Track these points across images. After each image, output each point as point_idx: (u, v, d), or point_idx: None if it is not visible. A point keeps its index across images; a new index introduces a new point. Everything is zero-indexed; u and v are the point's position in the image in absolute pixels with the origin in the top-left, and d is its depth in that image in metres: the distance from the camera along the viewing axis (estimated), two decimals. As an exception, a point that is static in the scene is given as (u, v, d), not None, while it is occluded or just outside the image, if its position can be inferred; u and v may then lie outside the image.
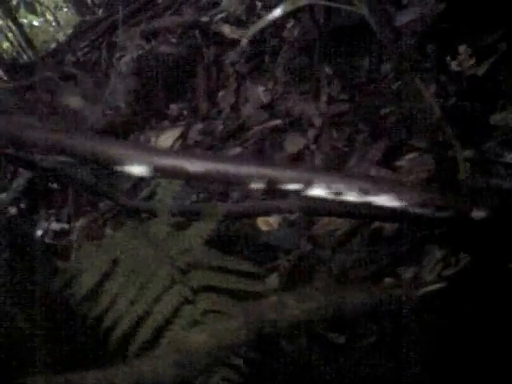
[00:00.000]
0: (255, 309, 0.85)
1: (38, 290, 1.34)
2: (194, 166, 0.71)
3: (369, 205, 0.75)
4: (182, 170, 0.71)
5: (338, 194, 0.71)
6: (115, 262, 1.29)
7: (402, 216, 0.98)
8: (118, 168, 0.71)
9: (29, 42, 2.58)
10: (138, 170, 0.72)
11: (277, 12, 1.30)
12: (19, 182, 3.23)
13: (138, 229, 1.41)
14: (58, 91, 2.94)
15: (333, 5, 1.46)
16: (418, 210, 0.73)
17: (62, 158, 0.69)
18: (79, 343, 1.25)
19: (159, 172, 0.72)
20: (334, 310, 0.87)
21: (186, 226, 1.38)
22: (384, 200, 0.71)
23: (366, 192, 0.70)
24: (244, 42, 1.33)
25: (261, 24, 1.29)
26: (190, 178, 0.70)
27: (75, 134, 0.71)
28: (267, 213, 1.29)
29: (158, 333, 1.14)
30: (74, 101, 1.67)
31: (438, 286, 1.09)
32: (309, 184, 0.71)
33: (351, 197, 0.71)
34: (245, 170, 0.72)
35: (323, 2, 1.37)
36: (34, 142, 0.70)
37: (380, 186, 0.71)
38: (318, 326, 0.88)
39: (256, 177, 0.70)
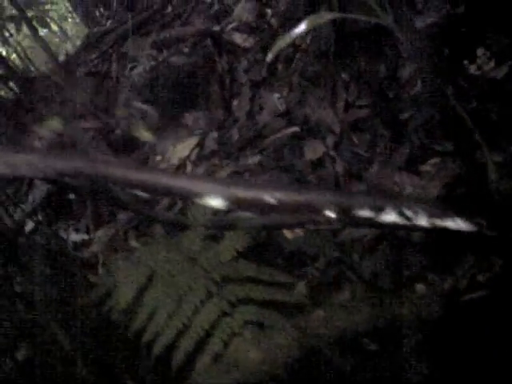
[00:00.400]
0: (304, 323, 0.86)
1: (75, 304, 1.36)
2: (272, 196, 0.73)
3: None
4: (259, 201, 0.73)
5: (410, 219, 0.73)
6: (151, 275, 1.31)
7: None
8: (198, 201, 0.72)
9: (49, 52, 2.60)
10: (216, 202, 0.73)
11: (300, 28, 1.31)
12: (36, 195, 3.25)
13: (169, 242, 1.42)
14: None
15: (358, 17, 1.48)
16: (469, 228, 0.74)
17: (144, 194, 0.71)
18: (121, 356, 1.26)
19: (237, 204, 0.73)
20: (376, 322, 0.87)
21: (218, 238, 1.39)
22: (453, 225, 0.72)
23: (436, 217, 0.72)
24: (269, 57, 1.34)
25: (286, 39, 1.30)
26: (267, 209, 0.71)
27: (155, 170, 0.72)
28: (302, 225, 1.30)
29: (199, 345, 1.15)
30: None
31: (476, 294, 1.09)
32: (381, 210, 0.72)
33: (422, 222, 0.72)
34: (320, 198, 0.73)
35: (346, 16, 1.38)
36: (118, 180, 0.72)
37: (447, 211, 0.73)
38: (363, 338, 0.89)
39: (330, 205, 0.71)
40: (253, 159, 2.30)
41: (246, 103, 2.72)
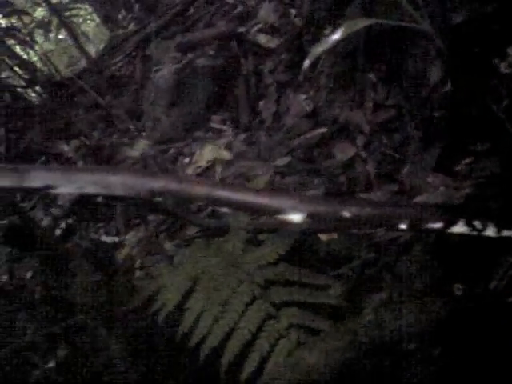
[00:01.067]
0: (358, 326, 0.88)
1: (120, 308, 1.40)
2: (349, 211, 0.75)
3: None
4: (336, 215, 0.76)
5: (479, 230, 0.75)
6: (195, 280, 1.34)
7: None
8: (281, 217, 0.76)
9: (83, 50, 2.63)
10: (297, 218, 0.76)
11: (336, 35, 1.33)
12: (65, 198, 3.30)
13: (209, 246, 1.45)
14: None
15: (395, 23, 1.49)
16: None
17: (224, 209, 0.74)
18: (166, 359, 1.30)
19: (316, 218, 0.76)
20: (420, 324, 0.90)
21: (259, 241, 1.42)
22: None
23: (504, 228, 0.73)
24: (305, 64, 1.36)
25: (322, 46, 1.33)
26: (344, 224, 0.74)
27: (238, 187, 0.76)
28: (348, 228, 1.32)
29: (247, 347, 1.18)
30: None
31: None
32: (452, 223, 0.74)
33: (490, 232, 0.74)
34: (393, 212, 0.75)
35: (381, 21, 1.39)
36: (202, 197, 0.75)
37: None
38: (410, 340, 0.91)
39: (403, 218, 0.74)
40: (282, 161, 2.32)
41: (273, 104, 2.75)
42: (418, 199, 1.71)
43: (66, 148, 3.78)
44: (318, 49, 1.31)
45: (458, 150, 1.81)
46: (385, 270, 1.63)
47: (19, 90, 3.76)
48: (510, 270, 1.31)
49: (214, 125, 2.91)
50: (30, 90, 3.98)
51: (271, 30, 3.07)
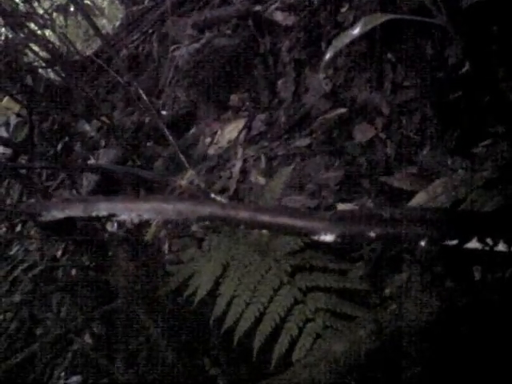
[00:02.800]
0: (381, 316, 0.95)
1: (155, 293, 1.49)
2: (374, 232, 0.82)
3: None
4: (363, 236, 0.83)
5: (490, 246, 0.81)
6: (225, 266, 1.42)
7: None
8: (314, 237, 0.83)
9: (100, 35, 2.68)
10: (329, 238, 0.84)
11: (356, 30, 1.37)
12: (87, 182, 3.39)
13: (237, 233, 1.53)
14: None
15: (412, 18, 1.52)
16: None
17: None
18: (204, 340, 1.39)
19: (345, 238, 0.83)
20: (446, 315, 0.96)
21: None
22: None
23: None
24: (328, 56, 1.41)
25: (343, 40, 1.36)
26: (370, 241, 0.81)
27: (277, 211, 0.83)
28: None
29: (276, 331, 1.26)
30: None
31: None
32: (467, 241, 0.80)
33: (501, 247, 0.80)
34: (414, 231, 0.82)
35: (401, 17, 1.42)
36: (245, 221, 0.83)
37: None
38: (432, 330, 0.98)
39: (423, 237, 0.80)
40: (302, 142, 2.37)
41: (291, 84, 2.78)
42: (437, 182, 1.76)
43: (88, 128, 3.85)
44: (339, 43, 1.35)
45: (477, 132, 1.84)
46: (404, 251, 1.70)
47: (40, 71, 3.82)
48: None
49: (233, 104, 2.95)
50: (49, 71, 4.03)
51: (288, 8, 3.07)
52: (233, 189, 2.47)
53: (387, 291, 1.51)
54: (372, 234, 0.88)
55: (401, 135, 2.04)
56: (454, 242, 0.85)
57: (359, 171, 2.04)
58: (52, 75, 4.23)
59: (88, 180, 3.34)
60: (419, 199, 1.79)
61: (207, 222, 0.96)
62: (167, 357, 1.47)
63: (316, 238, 0.89)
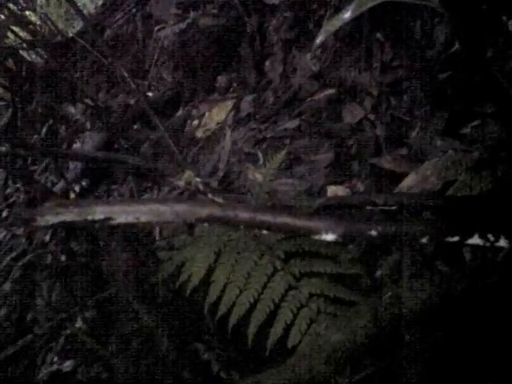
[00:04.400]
0: (377, 304, 0.96)
1: (148, 280, 1.48)
2: (375, 230, 0.82)
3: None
4: (365, 235, 0.83)
5: (491, 242, 0.81)
6: (218, 253, 1.42)
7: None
8: (316, 237, 0.82)
9: (81, 15, 2.61)
10: (330, 237, 0.83)
11: (346, 14, 1.35)
12: (75, 164, 3.34)
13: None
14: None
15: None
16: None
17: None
18: (200, 330, 1.39)
19: (346, 237, 0.83)
20: (440, 299, 0.97)
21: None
22: None
23: None
24: (318, 40, 1.39)
25: (334, 24, 1.35)
26: (372, 241, 0.81)
27: (277, 211, 0.82)
28: (364, 205, 1.39)
29: (270, 317, 1.26)
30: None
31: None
32: (469, 237, 0.80)
33: (502, 243, 0.81)
34: (415, 229, 0.82)
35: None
36: (244, 221, 0.82)
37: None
38: (427, 314, 0.99)
39: (425, 235, 0.80)
40: (291, 124, 2.35)
41: (279, 64, 2.75)
42: (427, 164, 1.77)
43: (72, 110, 3.79)
44: (330, 27, 1.34)
45: (466, 112, 1.84)
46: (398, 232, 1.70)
47: (22, 53, 3.74)
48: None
49: (220, 86, 2.92)
50: (32, 53, 3.95)
51: (273, -14, 3.02)
52: (222, 172, 2.46)
53: (378, 273, 1.52)
54: (373, 233, 0.88)
55: (390, 116, 2.03)
56: (455, 238, 0.86)
57: (349, 153, 2.04)
58: (34, 57, 4.14)
59: (74, 164, 3.30)
60: (409, 181, 1.79)
61: (206, 224, 0.95)
62: (161, 343, 1.48)
63: (317, 237, 0.89)
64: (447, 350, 0.98)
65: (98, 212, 0.92)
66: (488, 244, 0.84)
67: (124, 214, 0.93)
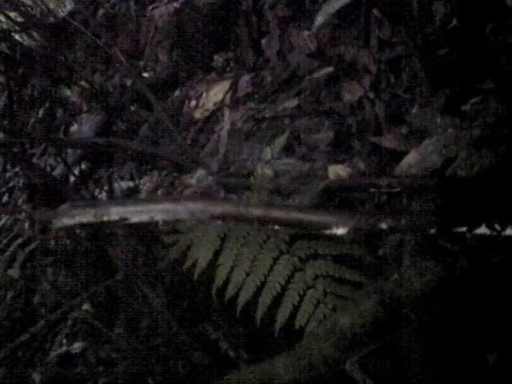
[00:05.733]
0: (384, 286, 0.98)
1: (155, 265, 1.50)
2: (386, 224, 0.83)
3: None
4: (375, 228, 0.84)
5: (499, 231, 0.83)
6: (223, 237, 1.44)
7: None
8: (326, 231, 0.84)
9: None
10: (341, 231, 0.85)
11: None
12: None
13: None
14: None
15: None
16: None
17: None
18: (208, 311, 1.42)
19: (357, 231, 0.85)
20: (446, 280, 1.00)
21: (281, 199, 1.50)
22: None
23: None
24: (316, 24, 1.39)
25: (333, 6, 1.34)
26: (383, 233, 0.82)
27: (289, 207, 0.83)
28: (368, 187, 1.40)
29: (277, 299, 1.29)
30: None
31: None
32: (476, 226, 0.82)
33: (509, 232, 0.82)
34: (424, 221, 0.83)
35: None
36: (258, 217, 0.83)
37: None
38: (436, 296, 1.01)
39: (433, 224, 0.82)
40: (290, 103, 2.35)
41: (276, 42, 2.73)
42: (427, 142, 1.78)
43: (69, 93, 3.77)
44: (330, 9, 1.33)
45: (466, 88, 1.84)
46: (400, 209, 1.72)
47: (15, 36, 3.70)
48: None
49: (217, 65, 2.90)
50: (25, 36, 3.90)
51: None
52: (222, 152, 2.47)
53: (381, 251, 1.55)
54: (384, 226, 0.90)
55: (390, 94, 2.03)
56: (463, 228, 0.87)
57: (349, 132, 2.04)
58: (27, 40, 4.09)
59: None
60: (410, 159, 1.80)
61: (220, 221, 0.96)
62: (170, 324, 1.50)
63: (328, 232, 0.91)
64: (451, 328, 1.01)
65: (113, 213, 0.93)
66: (495, 233, 0.86)
67: (138, 213, 0.95)
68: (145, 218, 0.96)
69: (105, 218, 0.94)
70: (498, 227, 0.86)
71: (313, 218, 0.92)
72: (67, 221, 0.94)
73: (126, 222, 0.95)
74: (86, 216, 0.93)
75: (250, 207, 0.92)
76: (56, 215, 0.94)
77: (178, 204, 0.95)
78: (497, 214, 0.88)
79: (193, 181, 1.46)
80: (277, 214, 0.92)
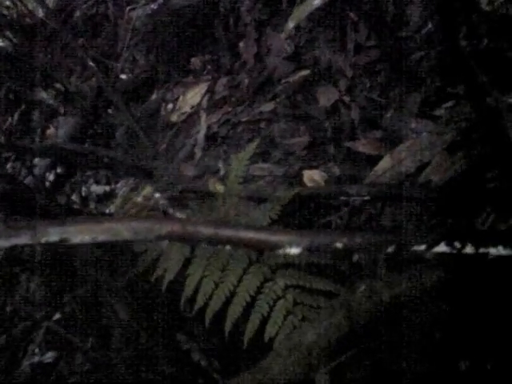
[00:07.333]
0: (351, 299, 0.96)
1: (125, 274, 1.47)
2: (341, 242, 0.81)
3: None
4: (331, 247, 0.82)
5: (458, 249, 0.81)
6: (193, 246, 1.41)
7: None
8: (279, 251, 0.81)
9: None
10: (294, 251, 0.82)
11: (316, 1, 1.33)
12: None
13: (202, 210, 1.51)
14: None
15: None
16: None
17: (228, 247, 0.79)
18: (180, 321, 1.39)
19: (312, 250, 0.82)
20: (417, 292, 0.98)
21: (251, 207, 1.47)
22: (495, 251, 0.80)
23: (481, 246, 0.80)
24: (288, 27, 1.37)
25: (305, 10, 1.32)
26: (338, 253, 0.80)
27: (239, 226, 0.81)
28: (338, 196, 1.38)
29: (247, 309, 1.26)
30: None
31: None
32: (435, 245, 0.80)
33: (468, 250, 0.80)
34: (381, 239, 0.81)
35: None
36: (206, 236, 0.80)
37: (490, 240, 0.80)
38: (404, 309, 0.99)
39: (390, 245, 0.80)
40: (266, 107, 2.33)
41: (253, 45, 2.71)
42: (401, 147, 1.77)
43: (44, 96, 3.71)
44: (301, 14, 1.31)
45: (439, 93, 1.84)
46: (372, 217, 1.71)
47: (-11, 38, 3.63)
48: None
49: (194, 68, 2.87)
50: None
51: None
52: (198, 156, 2.44)
53: (355, 258, 1.53)
54: (338, 245, 0.87)
55: (365, 98, 2.02)
56: (422, 247, 0.85)
57: (325, 136, 2.03)
58: (2, 42, 4.02)
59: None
60: (384, 164, 1.79)
61: (167, 241, 0.93)
62: (140, 336, 1.47)
63: (281, 251, 0.88)
64: (420, 340, 0.99)
65: (52, 233, 0.90)
66: (454, 251, 0.84)
67: (80, 234, 0.91)
68: (86, 238, 0.93)
69: (43, 240, 0.91)
70: (457, 245, 0.84)
71: (265, 238, 0.90)
72: (2, 243, 0.90)
73: (66, 243, 0.92)
74: (23, 238, 0.89)
75: (199, 226, 0.89)
76: (-11, 237, 0.90)
77: (121, 224, 0.92)
78: (457, 232, 0.87)
79: (139, 198, 1.43)
80: (226, 233, 0.89)
